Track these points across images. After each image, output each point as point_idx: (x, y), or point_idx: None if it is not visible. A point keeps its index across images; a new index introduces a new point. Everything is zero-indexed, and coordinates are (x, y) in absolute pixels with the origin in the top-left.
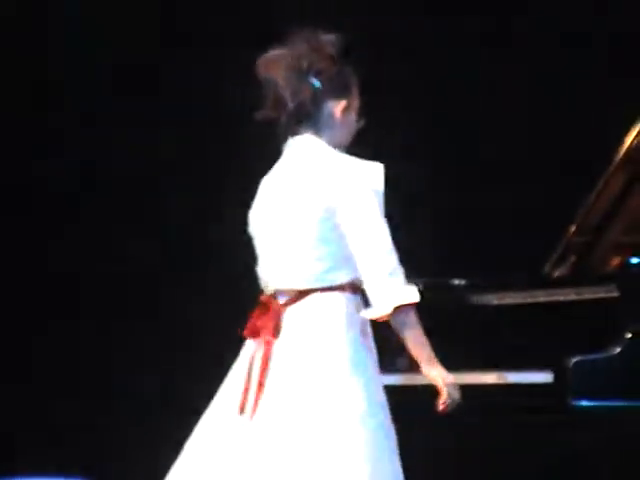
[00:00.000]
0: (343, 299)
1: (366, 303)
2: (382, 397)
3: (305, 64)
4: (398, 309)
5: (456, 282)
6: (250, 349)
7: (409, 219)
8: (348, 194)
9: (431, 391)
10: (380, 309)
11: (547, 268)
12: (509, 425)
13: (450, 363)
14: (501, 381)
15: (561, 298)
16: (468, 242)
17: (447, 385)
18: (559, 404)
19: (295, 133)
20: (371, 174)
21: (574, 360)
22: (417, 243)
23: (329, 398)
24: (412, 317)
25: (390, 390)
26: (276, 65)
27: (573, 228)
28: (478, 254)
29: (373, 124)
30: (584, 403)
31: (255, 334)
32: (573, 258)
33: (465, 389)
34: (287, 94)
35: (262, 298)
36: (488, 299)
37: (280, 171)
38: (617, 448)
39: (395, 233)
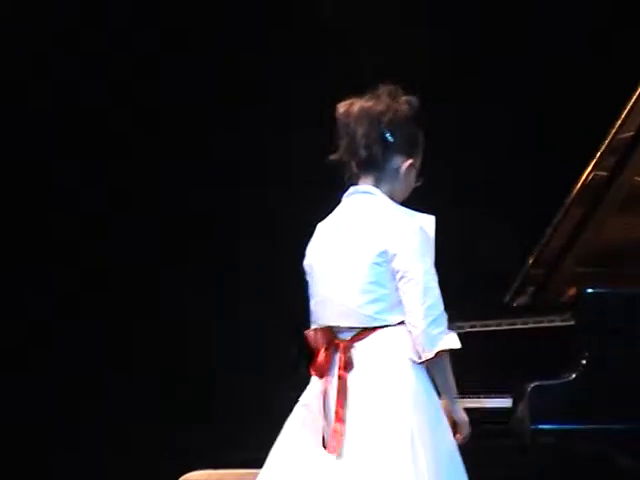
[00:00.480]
0: (404, 332)
1: None
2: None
3: (385, 119)
4: (439, 354)
5: None
6: (317, 386)
7: None
8: (403, 241)
9: None
10: (424, 355)
11: (507, 298)
12: (468, 449)
13: None
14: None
15: (520, 326)
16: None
17: (464, 423)
18: (518, 428)
19: (359, 179)
20: (424, 224)
21: (532, 385)
22: None
23: (403, 427)
24: (447, 361)
25: None
26: (359, 115)
27: (532, 260)
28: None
29: None
30: (541, 427)
31: (323, 371)
32: (532, 288)
33: None
34: (362, 143)
35: (323, 335)
36: (450, 327)
37: (341, 215)
38: (572, 470)
39: None
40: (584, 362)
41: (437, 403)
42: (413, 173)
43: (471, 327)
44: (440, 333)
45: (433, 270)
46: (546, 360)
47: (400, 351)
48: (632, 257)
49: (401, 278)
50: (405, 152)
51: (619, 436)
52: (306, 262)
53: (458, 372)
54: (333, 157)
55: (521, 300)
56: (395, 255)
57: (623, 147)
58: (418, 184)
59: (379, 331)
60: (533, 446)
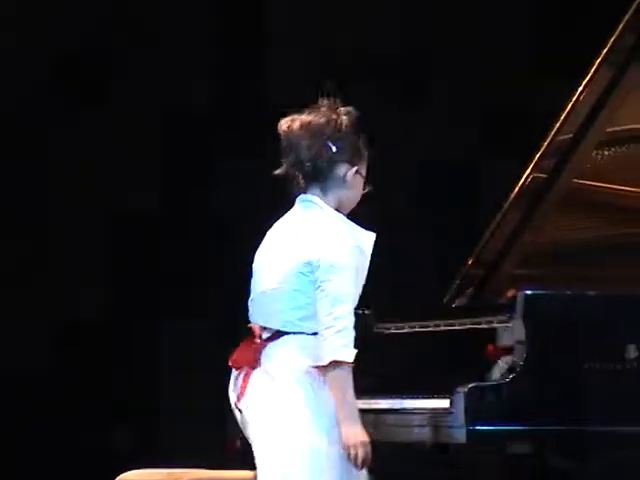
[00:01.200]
0: (313, 342)
1: None
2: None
3: (327, 131)
4: (334, 364)
5: (360, 310)
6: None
7: None
8: (325, 253)
9: None
10: (320, 361)
11: (446, 299)
12: (404, 449)
13: None
14: (398, 406)
15: (458, 327)
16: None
17: (356, 444)
18: (455, 428)
19: (306, 190)
20: (361, 240)
21: (469, 386)
22: None
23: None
24: (343, 375)
25: None
26: (301, 130)
27: (471, 260)
28: (381, 285)
29: None
30: (478, 428)
31: (238, 364)
32: (471, 289)
33: (362, 414)
34: (307, 157)
35: (252, 330)
36: (389, 327)
37: (284, 222)
38: (508, 470)
39: None
40: (521, 364)
41: (331, 417)
42: (359, 180)
43: (410, 328)
44: (341, 345)
45: (350, 286)
46: (484, 361)
47: (303, 359)
48: (570, 258)
49: (317, 288)
50: (349, 160)
51: (556, 437)
52: (254, 264)
53: (396, 372)
54: (278, 172)
55: (460, 301)
56: (317, 267)
57: (562, 149)
58: (366, 191)
59: (292, 336)
60: (469, 446)
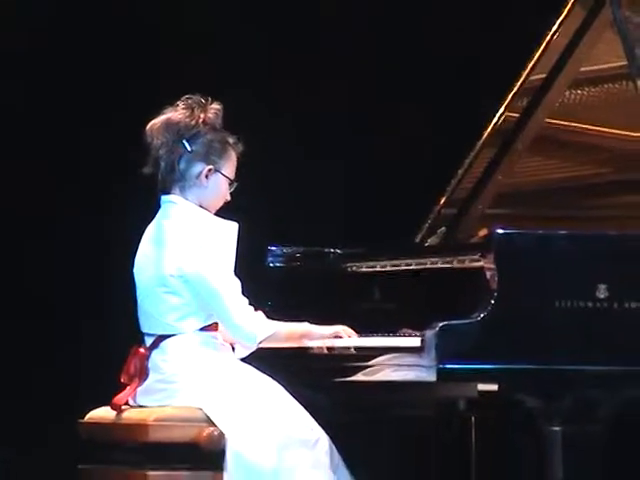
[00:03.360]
0: (195, 340)
1: None
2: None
3: (182, 127)
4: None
5: (331, 251)
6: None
7: (285, 192)
8: (193, 254)
9: None
10: (248, 350)
11: (418, 238)
12: (377, 386)
13: None
14: (372, 344)
15: (429, 266)
16: (342, 213)
17: (330, 334)
18: (425, 367)
19: (166, 190)
20: (226, 231)
21: (440, 325)
22: (295, 214)
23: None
24: (275, 336)
25: None
26: (159, 127)
27: (443, 200)
28: (353, 224)
29: None
30: (449, 366)
31: (130, 378)
32: (443, 229)
33: (336, 352)
34: (162, 154)
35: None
36: (360, 267)
37: (151, 225)
38: (479, 408)
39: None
40: (493, 302)
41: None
42: (220, 179)
43: (381, 267)
44: (253, 328)
45: (226, 273)
46: (455, 300)
47: (188, 359)
48: (542, 198)
49: (200, 291)
50: (205, 159)
51: (527, 376)
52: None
53: (367, 311)
54: (145, 171)
55: (432, 240)
56: (188, 268)
57: (534, 89)
58: (231, 190)
59: (172, 339)
60: (440, 385)
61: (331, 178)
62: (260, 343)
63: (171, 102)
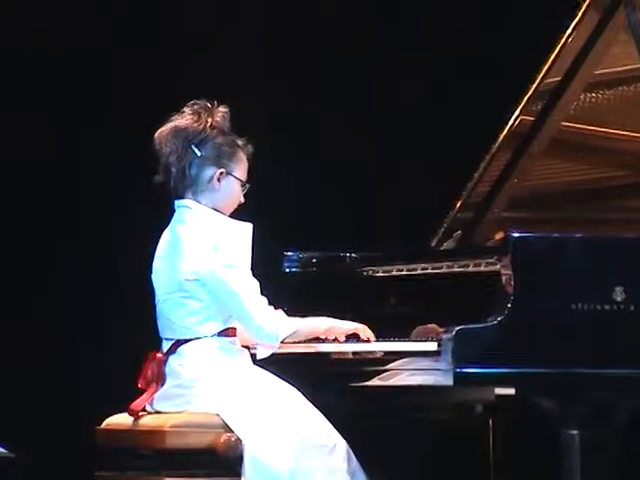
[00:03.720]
0: (215, 344)
1: None
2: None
3: (190, 133)
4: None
5: (346, 255)
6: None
7: (299, 197)
8: (209, 258)
9: None
10: (271, 349)
11: (434, 242)
12: (394, 391)
13: None
14: (388, 349)
15: (446, 270)
16: (358, 217)
17: (352, 329)
18: (442, 371)
19: (179, 196)
20: (240, 232)
21: (457, 329)
22: (309, 219)
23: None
24: (297, 333)
25: None
26: (167, 134)
27: (459, 203)
28: (369, 229)
29: None
30: (466, 370)
31: (147, 383)
32: (459, 232)
33: (352, 357)
34: (173, 161)
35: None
36: (376, 271)
37: (166, 231)
38: (497, 411)
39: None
40: (509, 306)
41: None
42: (232, 182)
43: (398, 271)
44: (274, 327)
45: (243, 274)
46: (472, 304)
47: (206, 364)
48: (558, 201)
49: (219, 293)
50: (216, 163)
51: (544, 380)
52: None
53: (383, 316)
54: (156, 179)
55: (448, 244)
56: (204, 271)
57: (550, 92)
58: (244, 191)
59: (190, 344)
60: (457, 389)
61: (346, 182)
62: (282, 342)
63: (172, 103)
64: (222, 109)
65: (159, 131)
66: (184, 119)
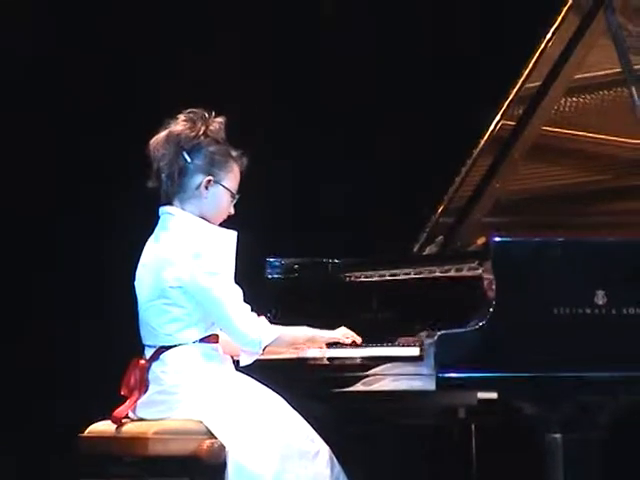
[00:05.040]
0: (196, 351)
1: None
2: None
3: (183, 139)
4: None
5: (329, 261)
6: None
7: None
8: (192, 266)
9: None
10: (254, 356)
11: (416, 247)
12: (377, 396)
13: None
14: (371, 354)
15: (428, 275)
16: (340, 222)
17: (331, 338)
18: (424, 376)
19: (167, 201)
20: (224, 240)
21: (439, 334)
22: (291, 225)
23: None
24: (279, 340)
25: None
26: (161, 140)
27: (441, 208)
28: (350, 234)
29: None
30: (448, 375)
31: (132, 390)
32: (440, 237)
33: (335, 363)
34: (163, 167)
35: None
36: (358, 276)
37: (151, 238)
38: (479, 415)
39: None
40: (491, 310)
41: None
42: (220, 191)
43: (380, 277)
44: (257, 334)
45: (227, 282)
46: (454, 309)
47: (189, 371)
48: (539, 206)
49: (201, 300)
50: (205, 171)
51: (526, 384)
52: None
53: (366, 320)
54: (149, 184)
55: (430, 249)
56: (187, 278)
57: (530, 96)
58: (234, 202)
59: (172, 350)
60: (439, 394)
61: (326, 187)
62: (265, 348)
63: (171, 106)
64: (219, 119)
65: (154, 137)
66: (178, 125)
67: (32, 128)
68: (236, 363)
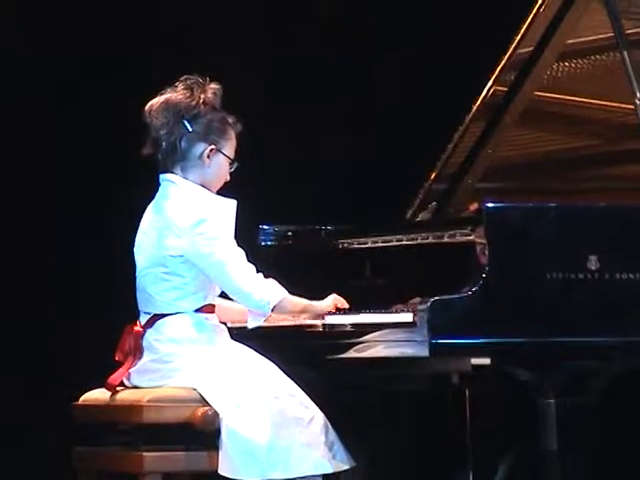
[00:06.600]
0: (192, 320)
1: None
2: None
3: (183, 108)
4: (274, 307)
5: (322, 228)
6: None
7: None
8: (194, 233)
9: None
10: (261, 317)
11: (409, 214)
12: (370, 363)
13: None
14: (364, 321)
15: (421, 241)
16: (333, 190)
17: (325, 308)
18: (418, 342)
19: (166, 169)
20: (224, 208)
21: (432, 300)
22: (285, 192)
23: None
24: (284, 302)
25: None
26: (159, 108)
27: (433, 175)
28: (344, 202)
29: None
30: (441, 341)
31: (124, 356)
32: (433, 204)
33: (329, 329)
34: (163, 134)
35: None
36: (351, 243)
37: (150, 206)
38: (473, 381)
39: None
40: (484, 276)
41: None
42: (221, 159)
43: (373, 243)
44: (264, 294)
45: (229, 245)
46: (447, 275)
47: (183, 340)
48: (532, 171)
49: (204, 266)
50: (207, 139)
51: (519, 350)
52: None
53: (359, 287)
54: (145, 152)
55: (423, 216)
56: (189, 247)
57: (522, 62)
58: (232, 169)
59: (167, 319)
60: (432, 359)
61: (320, 156)
62: (273, 309)
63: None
64: (214, 85)
65: (150, 104)
66: (177, 93)
67: (32, 128)
68: (230, 331)
